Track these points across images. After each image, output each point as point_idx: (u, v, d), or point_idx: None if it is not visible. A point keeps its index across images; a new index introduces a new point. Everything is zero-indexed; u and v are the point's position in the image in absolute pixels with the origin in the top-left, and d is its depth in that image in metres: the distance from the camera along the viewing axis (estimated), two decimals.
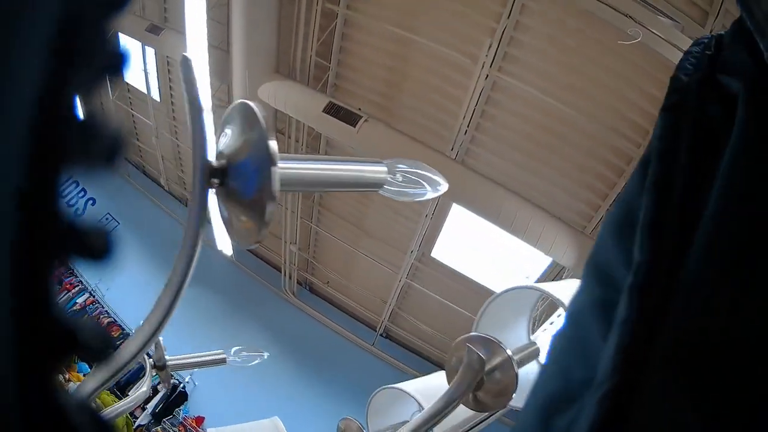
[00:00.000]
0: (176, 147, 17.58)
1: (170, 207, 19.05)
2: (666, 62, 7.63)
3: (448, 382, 2.05)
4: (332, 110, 10.19)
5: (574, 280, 2.71)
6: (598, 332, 0.81)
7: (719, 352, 0.70)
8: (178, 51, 11.69)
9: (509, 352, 1.96)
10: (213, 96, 11.49)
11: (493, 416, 2.38)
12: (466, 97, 9.88)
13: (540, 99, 9.27)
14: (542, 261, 10.81)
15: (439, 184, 1.63)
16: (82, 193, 18.16)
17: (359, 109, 10.29)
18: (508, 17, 8.83)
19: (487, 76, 9.44)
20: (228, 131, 1.28)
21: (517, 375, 1.92)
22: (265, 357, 3.71)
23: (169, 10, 14.04)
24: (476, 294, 12.65)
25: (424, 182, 1.60)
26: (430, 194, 1.63)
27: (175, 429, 14.47)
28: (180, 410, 14.57)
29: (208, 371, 13.76)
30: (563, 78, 9.01)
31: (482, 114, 10.05)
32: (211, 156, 1.24)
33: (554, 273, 11.00)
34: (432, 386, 2.75)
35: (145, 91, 16.67)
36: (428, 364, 15.66)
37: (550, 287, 2.23)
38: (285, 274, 16.59)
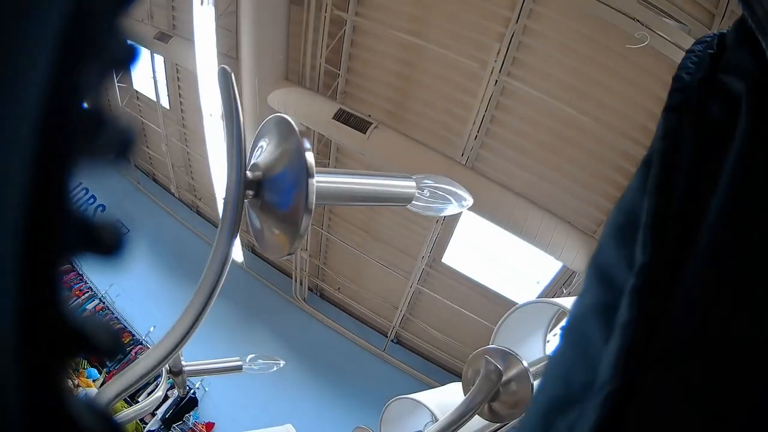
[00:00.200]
0: (186, 154, 17.58)
1: (180, 214, 19.07)
2: (673, 65, 7.57)
3: (464, 393, 2.06)
4: (342, 117, 10.18)
5: None
6: (599, 335, 0.82)
7: (721, 355, 0.70)
8: (187, 59, 11.69)
9: (525, 364, 1.97)
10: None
11: (505, 427, 2.39)
12: (476, 102, 9.87)
13: (549, 103, 9.26)
14: (553, 266, 10.79)
15: (464, 199, 1.64)
16: (92, 199, 18.24)
17: (369, 115, 10.28)
18: (517, 22, 8.82)
19: (497, 81, 9.43)
20: (263, 144, 1.30)
21: (532, 387, 1.92)
22: (282, 365, 3.71)
23: (177, 18, 14.05)
24: (487, 299, 12.64)
25: (449, 197, 1.61)
26: (456, 209, 1.64)
27: None
28: (190, 416, 14.57)
29: (217, 377, 13.78)
30: (572, 82, 8.99)
31: (492, 119, 10.04)
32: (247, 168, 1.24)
33: (565, 278, 10.98)
34: (446, 397, 2.75)
35: (154, 98, 16.68)
36: (439, 369, 15.65)
37: (569, 302, 2.23)
38: (296, 281, 16.58)
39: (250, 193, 1.27)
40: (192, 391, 14.71)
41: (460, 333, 14.22)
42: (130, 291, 16.59)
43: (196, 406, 14.78)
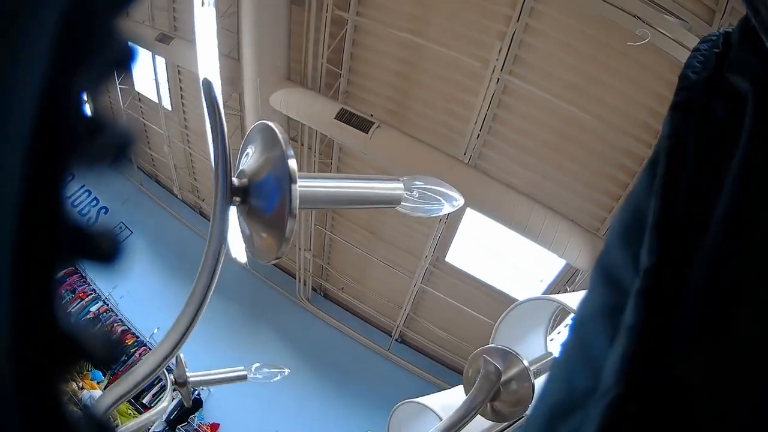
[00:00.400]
0: (189, 155, 17.59)
1: (183, 215, 19.07)
2: (675, 62, 7.61)
3: (466, 393, 2.06)
4: (344, 117, 10.18)
5: None
6: (604, 338, 0.81)
7: (721, 355, 0.70)
8: (188, 60, 11.68)
9: (526, 363, 1.97)
10: (225, 105, 11.47)
11: (511, 426, 2.39)
12: (478, 101, 9.87)
13: (551, 102, 9.26)
14: (556, 264, 10.78)
15: (455, 199, 1.64)
16: (95, 201, 18.24)
17: (371, 115, 10.28)
18: (518, 20, 8.82)
19: (498, 79, 9.42)
20: (249, 151, 1.33)
21: (533, 385, 1.93)
22: (286, 373, 3.72)
23: (178, 20, 14.06)
24: (491, 298, 12.64)
25: (440, 198, 1.61)
26: (446, 210, 1.64)
27: None
28: (195, 417, 14.57)
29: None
30: (574, 80, 8.99)
31: (494, 118, 10.04)
32: (233, 175, 1.27)
33: (568, 276, 10.97)
34: (453, 399, 2.74)
35: (156, 100, 16.68)
36: (444, 368, 15.63)
37: (567, 298, 2.23)
38: (299, 281, 16.60)
39: (237, 199, 1.28)
40: (196, 392, 14.68)
41: (464, 332, 14.21)
42: (134, 293, 16.59)
43: (201, 407, 14.78)
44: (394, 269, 14.42)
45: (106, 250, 0.60)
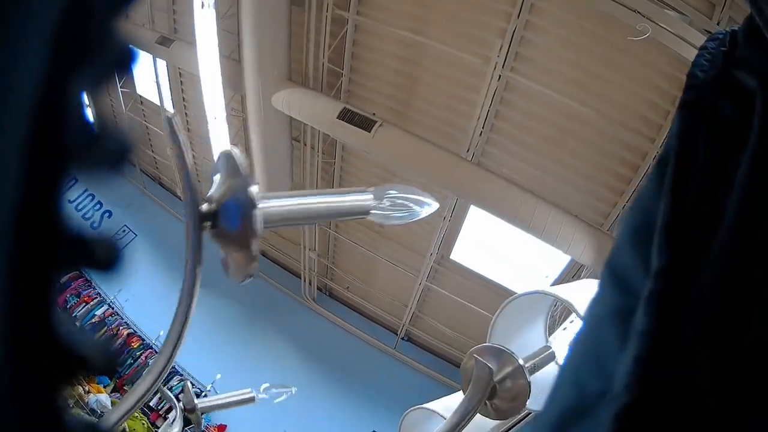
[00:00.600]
0: (192, 157, 17.53)
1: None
2: (675, 56, 7.61)
3: (464, 394, 2.07)
4: (347, 116, 10.18)
5: (588, 280, 2.70)
6: (615, 341, 0.80)
7: (728, 357, 0.70)
8: (189, 62, 11.68)
9: (520, 361, 1.99)
10: (227, 106, 11.48)
11: (520, 423, 2.40)
12: (480, 98, 9.89)
13: (553, 98, 9.27)
14: (561, 260, 10.78)
15: (428, 204, 1.67)
16: (98, 205, 18.25)
17: (374, 114, 10.28)
18: (518, 17, 8.83)
19: (500, 76, 9.44)
20: (217, 177, 1.41)
21: (528, 382, 1.93)
22: (293, 392, 3.76)
23: (178, 22, 14.08)
24: (497, 295, 12.62)
25: (411, 204, 1.64)
26: (418, 216, 1.67)
27: None
28: (202, 418, 14.55)
29: (229, 378, 13.75)
30: (574, 76, 9.01)
31: (496, 115, 10.05)
32: (202, 202, 1.35)
33: (573, 271, 10.97)
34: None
35: (158, 102, 16.68)
36: (450, 366, 15.60)
37: (562, 290, 2.24)
38: (305, 281, 16.58)
39: (208, 223, 1.36)
40: (203, 393, 14.70)
41: (470, 329, 14.20)
42: (139, 295, 16.61)
43: None
44: (399, 268, 14.44)
45: (104, 256, 0.59)
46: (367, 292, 16.46)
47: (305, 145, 12.78)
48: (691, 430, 0.70)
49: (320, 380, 15.18)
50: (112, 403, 13.30)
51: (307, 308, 16.94)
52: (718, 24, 7.30)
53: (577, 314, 2.10)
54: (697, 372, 0.70)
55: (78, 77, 0.53)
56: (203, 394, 14.66)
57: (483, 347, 2.05)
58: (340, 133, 10.68)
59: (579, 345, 0.95)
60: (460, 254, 12.90)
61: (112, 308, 16.51)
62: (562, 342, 2.45)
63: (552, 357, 2.23)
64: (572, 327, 2.51)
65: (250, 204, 1.23)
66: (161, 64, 15.48)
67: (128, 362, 15.49)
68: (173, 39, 13.35)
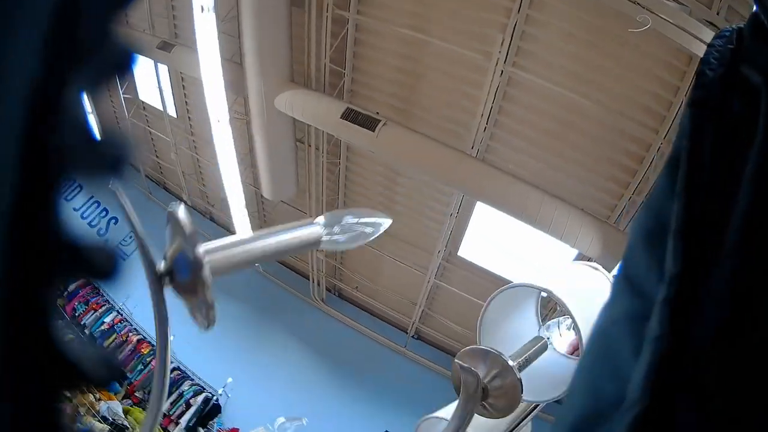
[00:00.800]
0: (196, 161, 17.63)
1: (194, 221, 19.08)
2: (676, 46, 7.61)
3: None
4: (350, 116, 10.20)
5: (574, 264, 2.70)
6: (629, 347, 0.79)
7: (736, 358, 0.69)
8: (191, 66, 11.70)
9: (507, 359, 1.99)
10: (230, 109, 11.49)
11: (528, 417, 2.41)
12: (483, 94, 9.90)
13: (555, 91, 9.29)
14: (569, 254, 10.78)
15: (381, 225, 1.76)
16: (104, 212, 18.29)
17: (377, 113, 10.31)
18: (518, 12, 8.84)
19: (502, 72, 9.45)
20: (168, 234, 1.49)
21: (519, 378, 1.93)
22: (304, 423, 3.84)
23: (179, 27, 14.13)
24: None
25: (362, 228, 1.69)
26: (368, 238, 1.71)
27: None
28: (214, 423, 14.60)
29: (241, 382, 13.79)
30: (576, 69, 9.03)
31: (500, 110, 10.07)
32: (158, 262, 1.42)
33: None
34: None
35: (161, 108, 16.73)
36: None
37: (547, 279, 2.27)
38: (313, 282, 16.63)
39: (167, 279, 1.41)
40: (215, 397, 14.74)
41: None
42: (148, 301, 16.61)
43: (220, 412, 14.80)
44: (407, 266, 14.48)
45: (102, 265, 0.58)
46: (376, 292, 16.50)
47: (309, 146, 12.82)
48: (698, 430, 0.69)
49: (331, 381, 15.23)
50: (124, 411, 13.33)
51: (316, 309, 16.97)
52: (717, 14, 7.30)
53: (559, 302, 2.11)
54: (705, 372, 0.70)
55: (74, 80, 0.52)
56: (215, 398, 14.72)
57: (467, 351, 2.07)
58: (344, 133, 10.70)
59: (593, 348, 0.95)
60: (467, 251, 12.92)
61: (121, 315, 16.53)
62: (558, 330, 2.46)
63: (544, 347, 2.24)
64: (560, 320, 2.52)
65: (196, 260, 1.32)
66: (163, 69, 15.50)
67: (139, 368, 15.53)
68: (174, 44, 13.39)
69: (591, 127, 9.44)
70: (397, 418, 12.77)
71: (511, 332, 2.42)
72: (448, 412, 2.96)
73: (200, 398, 14.57)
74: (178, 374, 15.15)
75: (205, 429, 14.46)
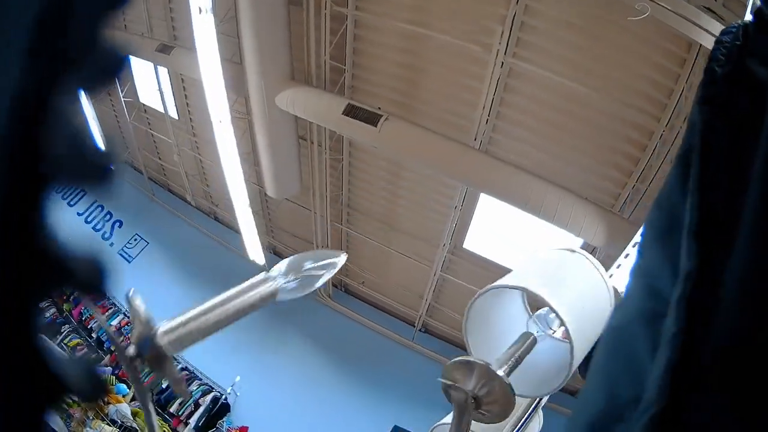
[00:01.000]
0: (199, 162, 17.62)
1: (199, 222, 19.08)
2: (675, 33, 7.58)
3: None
4: (352, 112, 10.20)
5: (551, 251, 2.69)
6: (645, 346, 0.80)
7: (756, 358, 0.69)
8: (191, 68, 11.68)
9: (492, 367, 1.99)
10: (231, 109, 11.48)
11: (534, 409, 2.44)
12: (484, 86, 9.89)
13: (556, 81, 9.28)
14: (574, 243, 10.75)
15: (335, 264, 1.83)
16: (109, 216, 18.30)
17: (379, 108, 10.30)
18: (517, 2, 8.83)
19: (503, 63, 9.43)
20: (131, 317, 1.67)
21: (507, 383, 1.93)
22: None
23: (177, 29, 14.12)
24: None
25: (316, 271, 1.75)
26: (324, 279, 1.75)
27: None
28: (223, 422, 14.60)
29: (249, 380, 13.78)
30: (576, 58, 9.01)
31: (501, 102, 10.05)
32: (128, 347, 1.61)
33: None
34: None
35: (161, 110, 16.72)
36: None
37: (519, 275, 2.28)
38: None
39: (138, 360, 1.58)
40: (224, 396, 14.75)
41: None
42: (155, 303, 16.58)
43: (229, 411, 14.80)
44: (413, 259, 14.49)
45: (87, 279, 0.59)
46: (383, 286, 16.50)
47: (312, 143, 12.81)
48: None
49: (340, 376, 15.23)
50: (132, 413, 13.35)
51: (323, 305, 16.95)
52: (716, 0, 7.27)
53: (539, 299, 2.13)
54: (721, 371, 0.70)
55: (63, 85, 0.52)
56: (223, 397, 14.73)
57: (453, 365, 2.06)
58: (346, 129, 10.70)
59: (608, 347, 0.95)
60: (473, 243, 12.90)
61: (127, 318, 16.50)
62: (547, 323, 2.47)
63: (534, 342, 2.22)
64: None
65: (154, 345, 1.50)
66: (163, 71, 15.49)
67: (146, 370, 15.53)
68: (173, 46, 13.39)
69: (592, 115, 9.42)
70: (406, 412, 12.79)
71: (500, 329, 2.41)
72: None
73: (209, 398, 14.59)
74: (187, 374, 15.16)
75: (215, 428, 14.47)
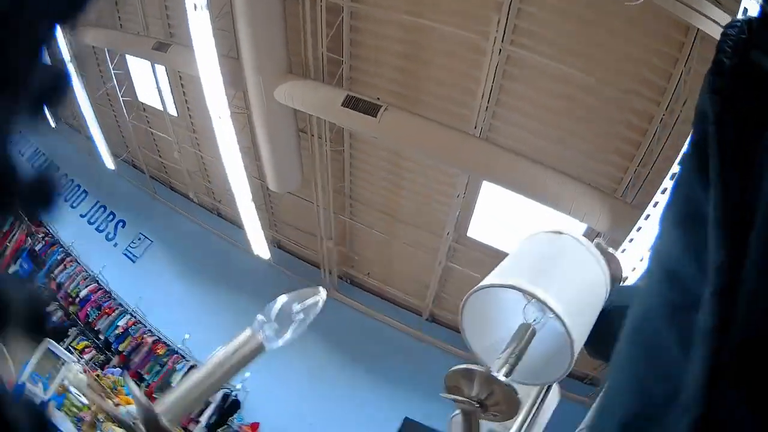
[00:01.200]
0: (200, 158, 17.65)
1: (202, 219, 19.10)
2: (671, 16, 7.56)
3: None
4: (351, 103, 10.22)
5: (535, 238, 2.67)
6: (674, 341, 0.78)
7: None
8: (188, 64, 11.69)
9: (491, 371, 1.99)
10: (230, 104, 11.48)
11: (544, 396, 2.44)
12: (483, 74, 9.89)
13: (554, 68, 9.30)
14: (578, 228, 10.75)
15: (317, 303, 1.84)
16: (111, 216, 18.39)
17: (378, 98, 10.34)
18: None
19: (500, 50, 9.43)
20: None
21: (507, 385, 1.92)
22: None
23: (173, 26, 14.17)
24: None
25: (301, 314, 1.75)
26: (309, 321, 1.82)
27: None
28: (234, 419, 14.63)
29: (258, 376, 13.80)
30: (573, 44, 9.04)
31: (501, 89, 10.05)
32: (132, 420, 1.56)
33: (590, 239, 10.94)
34: None
35: (160, 108, 16.74)
36: None
37: (506, 270, 2.36)
38: (324, 270, 16.65)
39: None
40: (234, 393, 14.77)
41: None
42: (161, 301, 16.71)
43: (239, 408, 14.83)
44: (418, 249, 14.50)
45: (38, 196, 0.56)
46: (388, 277, 16.57)
47: (312, 135, 12.82)
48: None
49: (349, 369, 15.28)
50: None
51: (329, 298, 16.88)
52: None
53: (529, 295, 2.10)
54: (740, 367, 0.68)
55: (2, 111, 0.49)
56: (233, 394, 14.80)
57: (452, 374, 2.06)
58: (345, 121, 10.72)
59: (631, 343, 0.93)
60: (477, 231, 12.91)
61: (135, 317, 16.58)
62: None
63: (533, 335, 2.19)
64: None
65: (160, 425, 1.49)
66: (160, 69, 15.49)
67: (156, 369, 15.59)
68: (170, 43, 13.40)
69: (592, 101, 9.43)
70: (416, 403, 12.76)
71: (498, 319, 2.39)
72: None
73: (219, 395, 14.62)
74: None
75: (226, 425, 14.50)
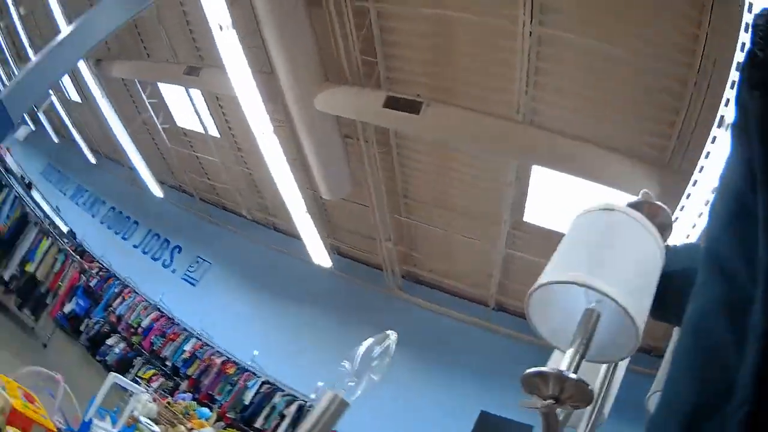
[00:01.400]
0: (248, 175, 17.79)
1: (258, 235, 19.21)
2: None
3: None
4: (392, 103, 10.31)
5: (585, 217, 2.59)
6: (730, 336, 0.79)
7: None
8: (223, 85, 11.75)
9: (559, 370, 1.91)
10: (272, 119, 11.49)
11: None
12: (516, 57, 9.86)
13: (585, 43, 9.25)
14: (629, 199, 10.67)
15: (390, 344, 1.92)
16: (166, 243, 18.53)
17: (418, 95, 10.41)
18: None
19: (531, 33, 9.38)
20: None
21: (579, 380, 1.88)
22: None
23: (201, 49, 14.31)
24: None
25: (378, 360, 1.84)
26: (384, 362, 1.92)
27: None
28: None
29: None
30: (600, 18, 8.97)
31: (537, 71, 10.01)
32: None
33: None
34: None
35: (202, 131, 16.85)
36: None
37: (564, 262, 2.24)
38: (387, 271, 16.75)
39: None
40: (308, 404, 14.84)
41: None
42: (226, 322, 16.82)
43: None
44: (477, 240, 14.56)
45: None
46: (451, 270, 16.63)
47: (358, 139, 12.93)
48: None
49: (421, 367, 15.25)
50: None
51: (395, 298, 17.09)
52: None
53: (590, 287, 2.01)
54: None
55: None
56: (308, 404, 14.81)
57: (524, 379, 1.97)
58: (389, 122, 10.82)
59: (690, 336, 0.95)
60: (533, 215, 12.91)
61: (201, 340, 16.70)
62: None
63: (597, 319, 2.12)
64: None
65: None
66: (195, 93, 15.57)
67: (227, 389, 15.68)
68: (200, 67, 13.50)
69: (625, 72, 9.39)
70: (491, 395, 12.67)
71: (563, 306, 2.32)
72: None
73: (293, 407, 14.71)
74: (268, 388, 15.32)
75: None
